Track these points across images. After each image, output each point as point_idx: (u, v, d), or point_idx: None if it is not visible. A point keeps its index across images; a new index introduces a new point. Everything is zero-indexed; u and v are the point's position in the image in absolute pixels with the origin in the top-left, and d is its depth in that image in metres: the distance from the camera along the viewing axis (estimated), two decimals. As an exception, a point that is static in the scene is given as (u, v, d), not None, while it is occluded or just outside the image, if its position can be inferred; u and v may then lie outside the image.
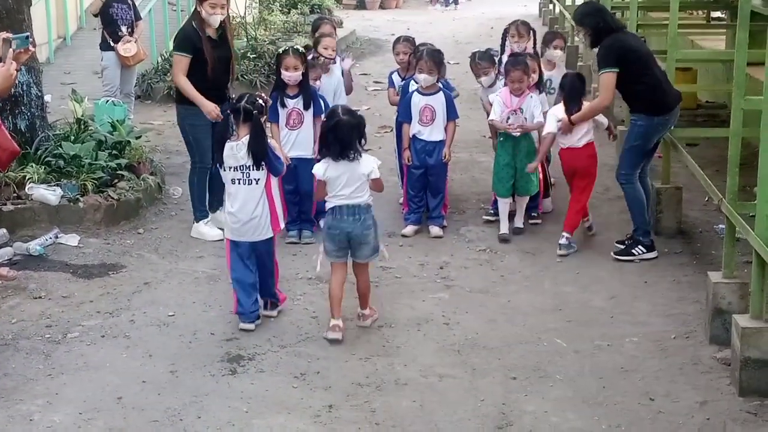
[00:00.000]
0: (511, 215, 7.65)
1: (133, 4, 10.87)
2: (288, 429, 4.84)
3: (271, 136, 6.72)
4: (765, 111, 5.01)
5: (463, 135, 10.09)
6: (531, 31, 8.40)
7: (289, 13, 18.34)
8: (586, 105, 7.23)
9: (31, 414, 4.97)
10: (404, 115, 7.76)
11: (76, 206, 7.66)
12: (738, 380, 5.12)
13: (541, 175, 7.79)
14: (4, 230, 7.38)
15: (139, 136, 8.79)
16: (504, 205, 7.60)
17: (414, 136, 7.69)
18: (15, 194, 7.69)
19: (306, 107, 7.41)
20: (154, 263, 7.12)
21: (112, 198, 7.81)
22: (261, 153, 5.86)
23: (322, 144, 5.99)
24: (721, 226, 6.88)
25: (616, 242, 7.34)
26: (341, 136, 5.77)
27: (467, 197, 8.68)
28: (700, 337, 5.81)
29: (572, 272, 6.92)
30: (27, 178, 7.72)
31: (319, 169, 5.87)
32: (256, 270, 6.03)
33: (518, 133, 7.44)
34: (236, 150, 5.89)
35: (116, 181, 8.05)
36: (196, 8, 7.40)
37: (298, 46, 7.68)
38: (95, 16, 10.99)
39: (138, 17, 10.87)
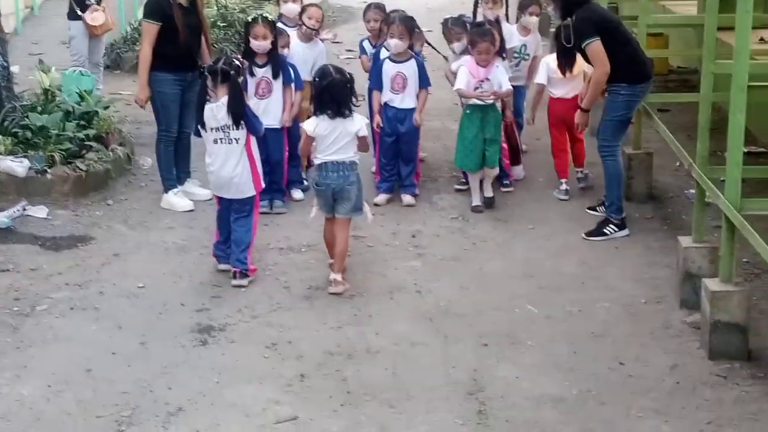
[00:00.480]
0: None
1: (101, -28, 10.69)
2: (259, 399, 4.83)
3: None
4: (735, 75, 5.00)
5: (435, 103, 10.02)
6: None
7: (259, -19, 18.13)
8: (579, 82, 7.10)
9: (-1, 387, 4.93)
10: (375, 82, 7.70)
11: (43, 178, 7.56)
12: (708, 344, 5.15)
13: (506, 144, 7.76)
14: (-29, 203, 7.30)
15: (107, 107, 8.67)
16: (474, 178, 7.53)
17: (386, 103, 7.64)
18: (-19, 166, 7.58)
19: (275, 76, 7.35)
20: (124, 235, 7.05)
21: (81, 169, 7.72)
22: (240, 113, 6.08)
23: (316, 103, 6.14)
24: (691, 191, 6.89)
25: (587, 208, 7.36)
26: (336, 94, 6.01)
27: (439, 165, 8.65)
28: (670, 301, 5.84)
29: (543, 239, 6.92)
30: (-7, 150, 7.62)
31: (310, 125, 6.08)
32: (234, 222, 6.22)
33: (492, 100, 7.37)
34: (216, 111, 6.08)
35: (84, 152, 7.95)
36: (165, -24, 7.30)
37: (267, 15, 7.60)
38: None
39: (106, -14, 10.69)
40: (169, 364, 5.16)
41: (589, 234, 6.92)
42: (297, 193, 7.75)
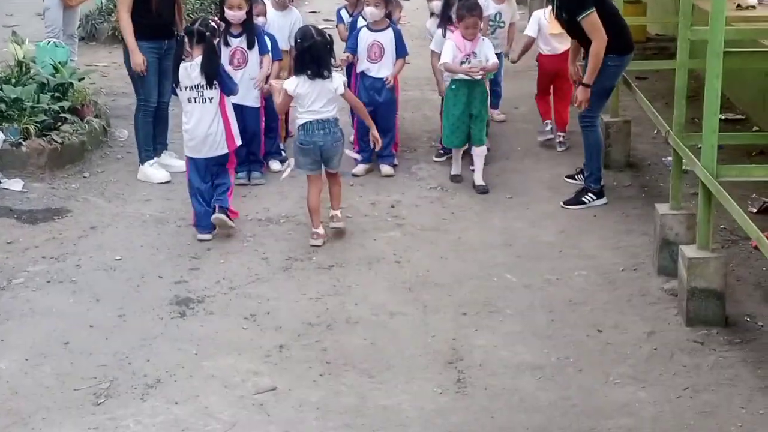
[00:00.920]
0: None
1: (74, -59, 10.54)
2: (238, 370, 4.82)
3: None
4: (710, 41, 4.99)
5: (414, 72, 10.01)
6: None
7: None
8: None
9: (-24, 362, 4.90)
10: (351, 48, 7.63)
11: (18, 150, 7.49)
12: (685, 310, 5.17)
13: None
14: (-55, 177, 7.22)
15: (82, 78, 8.58)
16: (458, 152, 7.42)
17: (362, 72, 7.60)
18: (-44, 139, 7.50)
19: (250, 46, 7.29)
20: (101, 207, 7.00)
21: (56, 142, 7.65)
22: (213, 72, 6.31)
23: (297, 63, 6.33)
24: (669, 158, 6.89)
25: (566, 176, 7.37)
26: (317, 55, 6.21)
27: (418, 135, 8.63)
28: (647, 268, 5.86)
29: (521, 208, 6.93)
30: (-33, 123, 7.53)
31: (290, 85, 6.28)
32: (210, 183, 6.40)
33: (480, 76, 7.21)
34: (190, 70, 6.31)
35: (60, 124, 7.87)
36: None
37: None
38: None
39: (79, -45, 10.55)
40: (147, 337, 5.15)
41: (568, 203, 6.92)
42: (275, 164, 7.71)
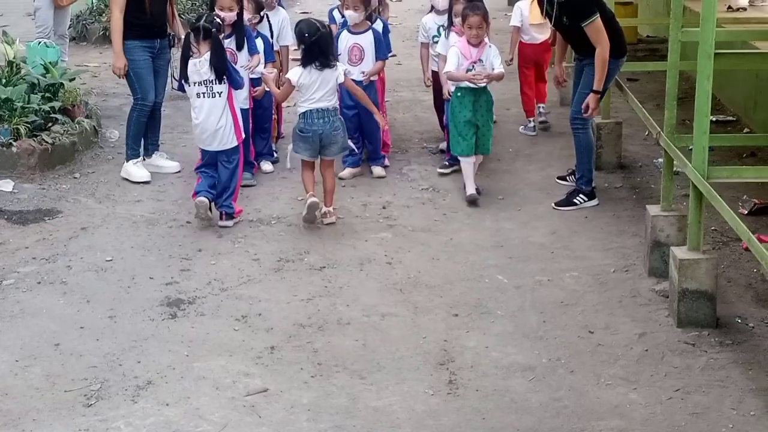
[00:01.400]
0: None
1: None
2: (229, 371, 4.81)
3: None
4: (701, 42, 5.00)
5: (406, 73, 10.03)
6: None
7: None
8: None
9: (-35, 363, 4.88)
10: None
11: (9, 151, 7.47)
12: (676, 311, 5.18)
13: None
14: (-65, 177, 7.20)
15: (73, 79, 8.56)
16: (468, 164, 7.14)
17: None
18: (-55, 140, 7.47)
19: (239, 47, 7.28)
20: (91, 208, 6.99)
21: (47, 142, 7.63)
22: (222, 67, 6.47)
23: (306, 55, 6.46)
24: (660, 159, 6.90)
25: (557, 178, 7.38)
26: (325, 46, 6.45)
27: (410, 136, 8.63)
28: (639, 270, 5.87)
29: (513, 209, 6.93)
30: (-43, 123, 7.51)
31: (294, 75, 6.48)
32: (216, 173, 6.58)
33: (484, 83, 7.05)
34: (199, 66, 6.46)
35: (50, 124, 7.86)
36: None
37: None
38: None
39: (70, -44, 10.52)
40: (138, 338, 5.13)
41: (559, 204, 6.92)
42: (266, 166, 7.70)
